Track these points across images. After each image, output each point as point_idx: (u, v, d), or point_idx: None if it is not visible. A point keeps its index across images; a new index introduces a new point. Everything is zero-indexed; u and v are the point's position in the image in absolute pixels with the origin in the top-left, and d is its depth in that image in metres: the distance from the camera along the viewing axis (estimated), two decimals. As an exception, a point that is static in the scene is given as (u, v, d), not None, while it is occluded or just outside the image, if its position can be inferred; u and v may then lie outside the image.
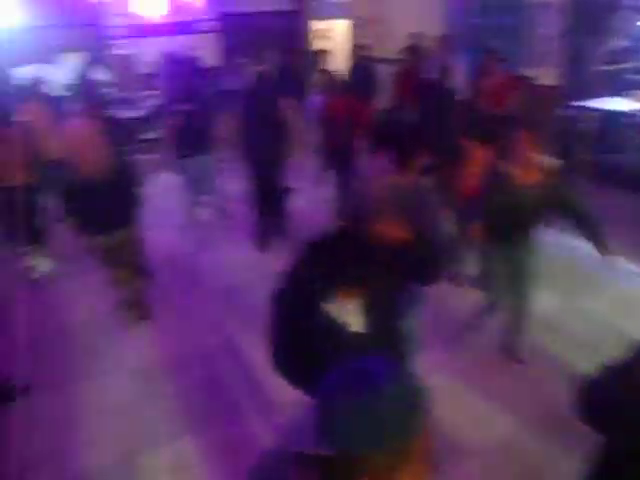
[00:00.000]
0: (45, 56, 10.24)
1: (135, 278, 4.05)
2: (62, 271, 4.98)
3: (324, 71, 6.38)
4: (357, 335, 1.77)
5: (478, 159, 3.57)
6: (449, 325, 3.72)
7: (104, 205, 3.55)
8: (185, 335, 4.02)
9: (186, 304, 4.43)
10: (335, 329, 1.74)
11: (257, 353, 3.68)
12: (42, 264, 4.99)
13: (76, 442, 3.04)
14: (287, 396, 3.20)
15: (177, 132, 5.29)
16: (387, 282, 1.85)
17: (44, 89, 6.04)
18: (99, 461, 2.91)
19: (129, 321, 4.13)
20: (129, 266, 3.97)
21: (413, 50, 6.94)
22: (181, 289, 4.67)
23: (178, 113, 5.25)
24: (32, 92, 5.92)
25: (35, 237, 4.97)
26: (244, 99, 5.14)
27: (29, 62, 9.70)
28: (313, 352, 1.70)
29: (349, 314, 1.76)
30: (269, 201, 5.28)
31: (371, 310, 1.79)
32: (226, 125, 5.53)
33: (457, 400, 3.11)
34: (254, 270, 4.87)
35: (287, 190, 5.46)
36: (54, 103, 6.17)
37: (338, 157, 5.31)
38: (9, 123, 4.81)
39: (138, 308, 4.16)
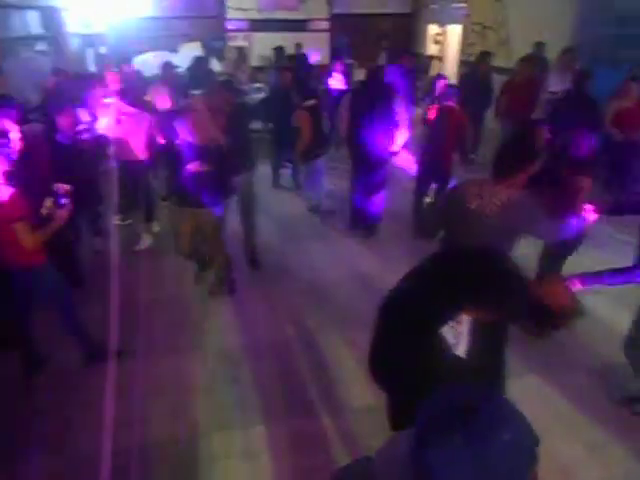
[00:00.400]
0: (167, 44, 10.97)
1: (218, 256, 4.20)
2: (160, 246, 5.22)
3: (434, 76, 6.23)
4: (462, 361, 1.65)
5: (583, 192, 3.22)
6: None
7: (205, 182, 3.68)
8: (268, 324, 4.03)
9: (273, 293, 4.46)
10: (442, 350, 1.62)
11: (336, 352, 3.67)
12: (146, 238, 5.27)
13: (155, 413, 3.14)
14: (359, 401, 3.23)
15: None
16: (510, 310, 1.67)
17: (172, 74, 6.34)
18: (174, 434, 2.99)
19: (213, 296, 4.28)
20: (213, 244, 4.11)
21: (534, 59, 6.55)
22: (270, 278, 4.71)
23: (309, 109, 5.19)
24: (162, 76, 6.24)
25: (145, 211, 5.27)
26: (353, 98, 5.09)
27: (154, 49, 10.43)
28: (415, 367, 1.59)
29: (458, 336, 1.63)
30: (369, 198, 5.24)
31: (482, 336, 1.65)
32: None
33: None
34: (345, 269, 4.82)
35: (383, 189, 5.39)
36: (179, 87, 6.48)
37: (436, 164, 5.11)
38: (141, 103, 5.13)
39: (220, 285, 4.30)
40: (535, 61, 6.47)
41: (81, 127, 4.84)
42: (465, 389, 0.82)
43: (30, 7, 6.65)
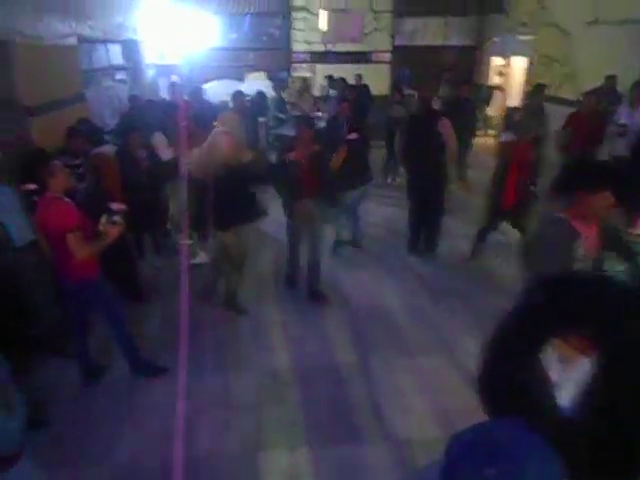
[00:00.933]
0: (234, 74, 11.50)
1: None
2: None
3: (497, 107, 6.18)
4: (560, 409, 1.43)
5: None
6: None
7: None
8: (318, 347, 4.05)
9: (325, 318, 4.48)
10: (541, 388, 1.37)
11: (383, 379, 3.63)
12: (202, 254, 5.46)
13: (202, 428, 3.19)
14: (407, 432, 3.15)
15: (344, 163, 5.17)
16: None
17: (243, 102, 6.62)
18: (219, 450, 3.03)
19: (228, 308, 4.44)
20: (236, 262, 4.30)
21: (600, 92, 6.36)
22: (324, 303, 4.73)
23: (349, 142, 5.19)
24: (233, 104, 6.52)
25: (203, 229, 5.47)
26: (408, 128, 5.15)
27: (220, 78, 10.97)
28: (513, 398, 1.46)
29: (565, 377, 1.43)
30: (426, 226, 5.34)
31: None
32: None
33: None
34: (395, 298, 4.78)
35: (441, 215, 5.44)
36: (247, 114, 6.75)
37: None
38: (207, 128, 5.40)
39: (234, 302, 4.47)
40: (601, 94, 6.26)
41: (152, 149, 5.15)
42: (495, 424, 0.80)
43: (113, 41, 7.20)
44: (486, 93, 11.25)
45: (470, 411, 1.59)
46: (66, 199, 3.12)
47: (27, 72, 4.48)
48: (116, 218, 3.19)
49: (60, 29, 5.21)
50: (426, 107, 5.68)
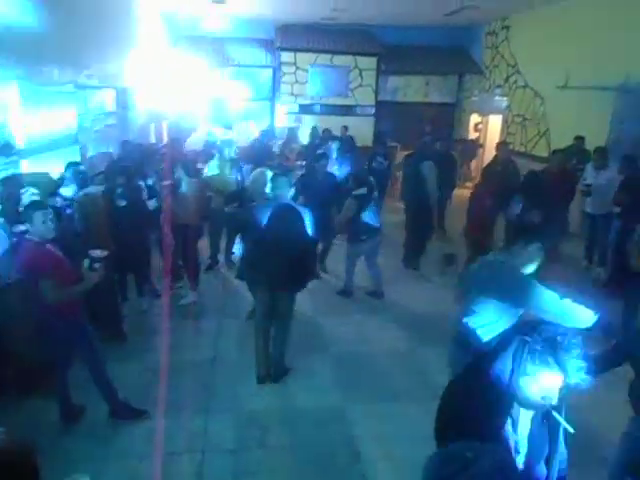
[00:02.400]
0: (224, 121, 11.88)
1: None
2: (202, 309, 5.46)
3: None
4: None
5: None
6: None
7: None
8: (302, 392, 4.08)
9: (307, 362, 4.53)
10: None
11: (365, 425, 3.66)
12: (191, 295, 5.54)
13: (179, 472, 3.19)
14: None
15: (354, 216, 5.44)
16: None
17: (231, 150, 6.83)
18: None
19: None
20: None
21: (567, 151, 6.77)
22: (304, 348, 4.79)
23: (357, 197, 5.40)
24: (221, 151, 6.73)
25: (192, 270, 5.57)
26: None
27: (211, 125, 11.30)
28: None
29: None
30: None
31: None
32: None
33: None
34: (378, 343, 4.88)
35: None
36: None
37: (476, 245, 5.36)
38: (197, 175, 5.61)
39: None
40: (570, 153, 6.66)
41: (140, 192, 5.28)
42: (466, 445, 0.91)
43: (108, 87, 7.47)
44: (472, 148, 11.74)
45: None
46: (47, 245, 3.19)
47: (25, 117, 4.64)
48: (96, 265, 3.23)
49: (58, 77, 5.43)
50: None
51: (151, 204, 5.29)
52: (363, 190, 5.37)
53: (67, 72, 5.70)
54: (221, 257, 6.65)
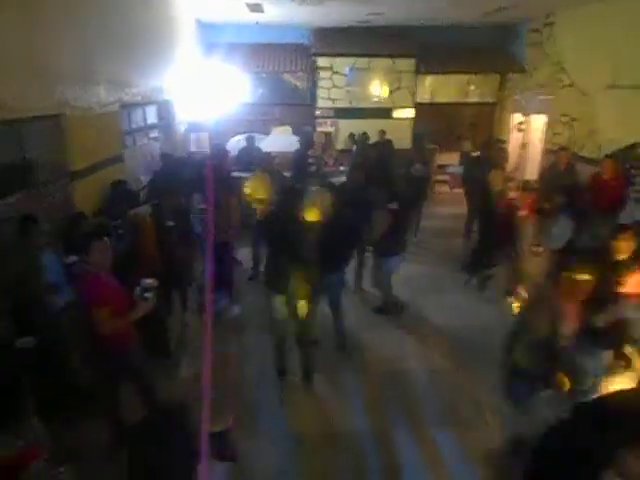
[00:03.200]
0: (261, 127, 11.97)
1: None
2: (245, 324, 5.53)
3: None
4: None
5: None
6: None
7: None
8: (344, 415, 4.07)
9: (348, 381, 4.51)
10: None
11: (402, 450, 3.63)
12: (232, 308, 5.61)
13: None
14: None
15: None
16: None
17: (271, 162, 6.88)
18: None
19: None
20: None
21: (621, 156, 6.49)
22: (347, 367, 4.78)
23: (390, 211, 5.29)
24: (260, 164, 6.79)
25: (229, 285, 5.64)
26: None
27: (247, 132, 11.40)
28: None
29: None
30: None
31: None
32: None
33: None
34: (416, 361, 4.81)
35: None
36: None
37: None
38: (231, 190, 5.64)
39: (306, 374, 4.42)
40: (623, 158, 6.38)
41: (182, 210, 5.38)
42: None
43: (150, 103, 7.64)
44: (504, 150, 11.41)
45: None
46: (102, 274, 3.26)
47: (75, 141, 4.79)
48: (147, 295, 3.28)
49: (104, 98, 5.58)
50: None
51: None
52: (394, 205, 5.32)
53: (112, 92, 5.86)
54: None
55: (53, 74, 4.47)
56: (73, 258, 3.58)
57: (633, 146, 6.73)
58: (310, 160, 9.01)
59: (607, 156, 6.46)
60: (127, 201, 5.22)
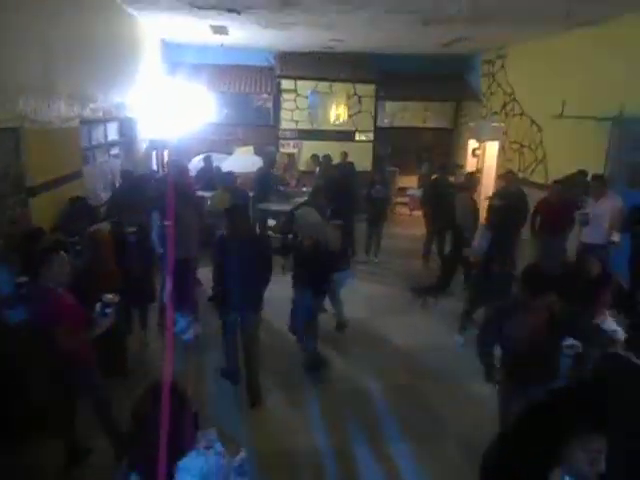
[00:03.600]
0: (224, 147, 12.01)
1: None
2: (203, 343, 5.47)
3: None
4: None
5: None
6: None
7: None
8: (303, 432, 4.09)
9: (305, 399, 4.53)
10: None
11: (361, 466, 3.66)
12: (194, 328, 5.52)
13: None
14: None
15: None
16: None
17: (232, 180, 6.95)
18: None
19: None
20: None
21: (569, 182, 6.88)
22: (305, 384, 4.80)
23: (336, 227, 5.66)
24: (222, 182, 6.84)
25: (191, 303, 5.57)
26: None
27: (210, 151, 11.41)
28: None
29: None
30: None
31: None
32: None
33: None
34: (374, 379, 4.89)
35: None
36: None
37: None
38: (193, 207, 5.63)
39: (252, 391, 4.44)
40: (571, 184, 6.76)
41: (143, 227, 5.32)
42: None
43: (111, 120, 7.57)
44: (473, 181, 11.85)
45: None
46: (60, 291, 3.20)
47: (34, 155, 4.71)
48: (108, 310, 3.26)
49: (65, 113, 5.52)
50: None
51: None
52: (338, 221, 5.77)
53: (73, 107, 5.79)
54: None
55: (13, 86, 4.40)
56: (23, 279, 3.50)
57: (578, 173, 7.13)
58: (272, 178, 9.10)
59: (555, 182, 6.83)
60: (86, 217, 5.14)
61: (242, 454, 2.05)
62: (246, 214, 4.68)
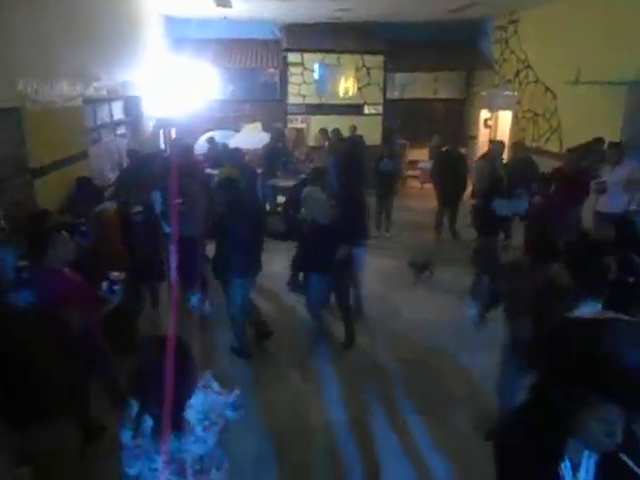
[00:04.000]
0: (231, 124, 11.87)
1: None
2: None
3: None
4: None
5: None
6: None
7: None
8: (318, 406, 4.10)
9: (322, 373, 4.54)
10: None
11: (380, 439, 3.67)
12: (203, 306, 5.56)
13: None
14: None
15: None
16: None
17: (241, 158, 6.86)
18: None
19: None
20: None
21: (584, 150, 6.67)
22: (321, 359, 4.80)
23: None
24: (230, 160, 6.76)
25: (201, 281, 5.57)
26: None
27: (217, 128, 11.30)
28: None
29: None
30: None
31: None
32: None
33: None
34: (390, 352, 4.87)
35: None
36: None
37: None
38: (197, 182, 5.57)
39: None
40: (587, 152, 6.56)
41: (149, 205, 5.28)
42: None
43: (116, 98, 7.49)
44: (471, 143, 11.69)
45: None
46: (66, 270, 3.19)
47: (36, 136, 4.67)
48: (115, 287, 3.26)
49: (67, 92, 5.45)
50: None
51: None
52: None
53: (75, 86, 5.72)
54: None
55: (13, 66, 4.34)
56: (23, 263, 3.48)
57: (595, 141, 6.92)
58: (281, 154, 8.99)
59: (569, 150, 6.63)
60: (92, 198, 5.12)
61: (236, 391, 2.29)
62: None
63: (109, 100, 7.23)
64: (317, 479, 3.34)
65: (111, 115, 7.44)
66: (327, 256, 4.55)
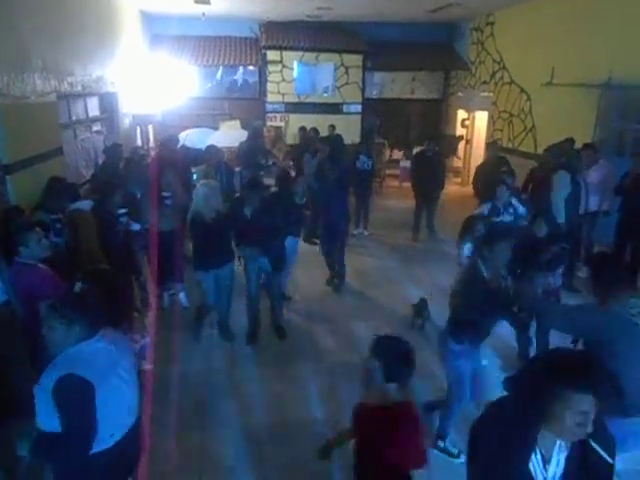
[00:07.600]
0: (210, 122, 11.78)
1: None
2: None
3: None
4: None
5: None
6: None
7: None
8: (295, 402, 4.11)
9: (300, 372, 4.54)
10: None
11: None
12: (181, 297, 5.61)
13: None
14: None
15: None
16: None
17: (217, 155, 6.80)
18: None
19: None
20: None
21: (557, 150, 6.81)
22: (296, 356, 4.81)
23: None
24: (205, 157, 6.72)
25: (178, 274, 5.54)
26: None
27: (195, 126, 11.21)
28: None
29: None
30: None
31: None
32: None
33: None
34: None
35: None
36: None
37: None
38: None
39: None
40: (560, 152, 6.69)
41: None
42: None
43: (91, 94, 7.36)
44: (454, 142, 11.83)
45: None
46: (40, 266, 3.14)
47: (8, 131, 4.56)
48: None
49: (40, 87, 5.34)
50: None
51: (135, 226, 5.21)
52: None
53: (49, 81, 5.61)
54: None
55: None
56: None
57: (565, 141, 7.07)
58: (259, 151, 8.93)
59: (545, 150, 6.78)
60: (67, 196, 5.01)
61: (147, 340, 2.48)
62: None
63: (84, 96, 7.10)
64: (295, 476, 3.34)
65: (86, 111, 7.30)
66: (213, 253, 4.64)
